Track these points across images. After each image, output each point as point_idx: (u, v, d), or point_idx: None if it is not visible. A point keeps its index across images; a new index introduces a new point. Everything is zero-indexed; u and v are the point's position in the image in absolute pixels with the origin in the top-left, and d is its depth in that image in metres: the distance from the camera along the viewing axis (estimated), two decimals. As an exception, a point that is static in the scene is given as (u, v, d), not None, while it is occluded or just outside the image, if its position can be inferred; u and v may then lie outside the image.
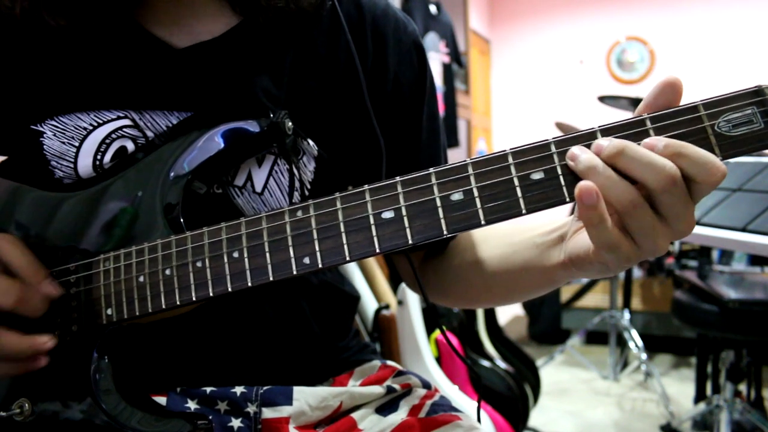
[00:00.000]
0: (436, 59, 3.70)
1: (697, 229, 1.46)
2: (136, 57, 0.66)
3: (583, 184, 0.46)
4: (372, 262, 1.80)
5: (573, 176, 0.49)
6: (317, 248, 0.53)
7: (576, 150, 0.48)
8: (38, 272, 0.61)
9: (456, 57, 3.97)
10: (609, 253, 0.49)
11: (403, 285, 1.75)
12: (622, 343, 3.27)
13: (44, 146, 0.65)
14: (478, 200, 0.50)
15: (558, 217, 0.63)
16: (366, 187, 0.53)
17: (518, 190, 0.49)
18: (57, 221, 0.64)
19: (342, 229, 0.53)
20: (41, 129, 0.65)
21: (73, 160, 0.65)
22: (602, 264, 0.52)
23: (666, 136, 0.47)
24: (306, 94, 0.68)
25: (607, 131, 0.49)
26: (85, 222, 0.63)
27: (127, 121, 0.65)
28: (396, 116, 0.74)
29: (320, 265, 0.53)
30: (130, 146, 0.65)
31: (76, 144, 0.65)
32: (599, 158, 0.47)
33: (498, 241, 0.71)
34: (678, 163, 0.46)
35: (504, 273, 0.69)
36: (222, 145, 0.62)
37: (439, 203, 0.51)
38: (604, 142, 0.48)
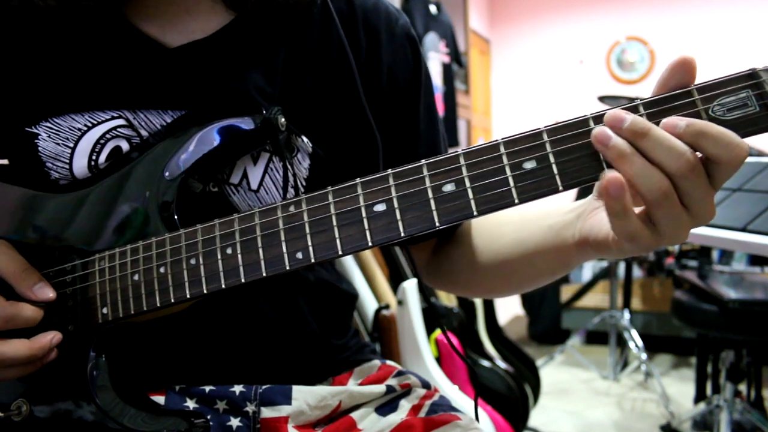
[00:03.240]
0: (436, 59, 3.70)
1: (697, 229, 1.46)
2: (129, 57, 0.66)
3: (611, 175, 0.46)
4: (372, 262, 1.80)
5: (566, 164, 0.48)
6: (310, 243, 0.53)
7: (607, 132, 0.47)
8: (28, 278, 0.61)
9: (456, 57, 3.96)
10: (629, 243, 0.49)
11: (404, 285, 1.76)
12: (622, 343, 3.27)
13: (39, 148, 0.65)
14: (470, 191, 0.50)
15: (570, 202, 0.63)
16: (358, 180, 0.53)
17: (510, 179, 0.49)
18: (53, 222, 0.64)
19: (334, 222, 0.53)
20: (36, 131, 0.65)
21: (68, 161, 0.65)
22: (620, 250, 0.52)
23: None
24: (299, 90, 0.68)
25: (601, 118, 0.48)
26: (81, 222, 0.63)
27: (121, 121, 0.65)
28: (393, 109, 0.74)
29: (313, 260, 0.53)
30: (124, 146, 0.65)
31: (71, 145, 0.65)
32: (617, 133, 0.46)
33: (512, 226, 0.71)
34: (701, 143, 0.45)
35: (518, 257, 0.69)
36: (216, 143, 0.62)
37: (430, 195, 0.51)
38: (628, 117, 0.46)
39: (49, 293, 0.61)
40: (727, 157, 0.45)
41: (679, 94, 0.47)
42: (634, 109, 0.48)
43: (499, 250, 0.71)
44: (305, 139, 0.67)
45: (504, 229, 0.72)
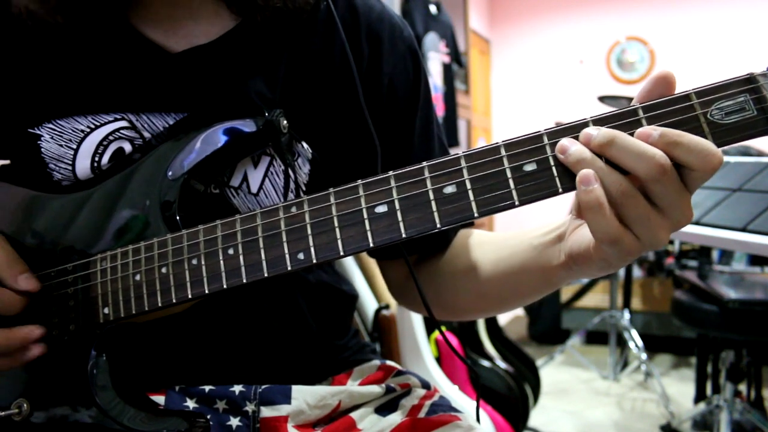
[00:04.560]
0: (436, 59, 3.70)
1: (697, 229, 1.46)
2: (132, 61, 0.67)
3: (582, 170, 0.47)
4: (372, 263, 1.80)
5: (566, 167, 0.49)
6: (311, 243, 0.54)
7: (565, 142, 0.49)
8: (14, 267, 0.61)
9: (456, 57, 3.96)
10: (610, 246, 0.49)
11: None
12: (622, 343, 3.27)
13: (42, 149, 0.65)
14: (470, 192, 0.50)
15: (556, 219, 0.63)
16: (359, 181, 0.53)
17: (511, 181, 0.50)
18: (55, 222, 0.65)
19: (336, 223, 0.53)
20: (39, 132, 0.65)
21: (71, 162, 0.65)
22: (604, 260, 0.52)
23: (659, 125, 0.47)
24: (300, 95, 0.68)
25: (600, 121, 0.49)
26: (83, 222, 0.64)
27: (124, 123, 0.66)
28: (389, 120, 0.74)
29: (314, 260, 0.53)
30: (127, 147, 0.65)
31: (74, 146, 0.65)
32: (589, 148, 0.48)
33: (493, 246, 0.71)
34: (673, 152, 0.46)
35: (499, 277, 0.69)
36: (218, 145, 0.62)
37: (432, 196, 0.51)
38: (594, 132, 0.48)
39: (33, 284, 0.61)
40: (699, 165, 0.46)
41: (678, 98, 0.48)
42: (633, 113, 0.49)
43: (479, 270, 0.71)
44: (305, 145, 0.68)
45: (485, 248, 0.72)
